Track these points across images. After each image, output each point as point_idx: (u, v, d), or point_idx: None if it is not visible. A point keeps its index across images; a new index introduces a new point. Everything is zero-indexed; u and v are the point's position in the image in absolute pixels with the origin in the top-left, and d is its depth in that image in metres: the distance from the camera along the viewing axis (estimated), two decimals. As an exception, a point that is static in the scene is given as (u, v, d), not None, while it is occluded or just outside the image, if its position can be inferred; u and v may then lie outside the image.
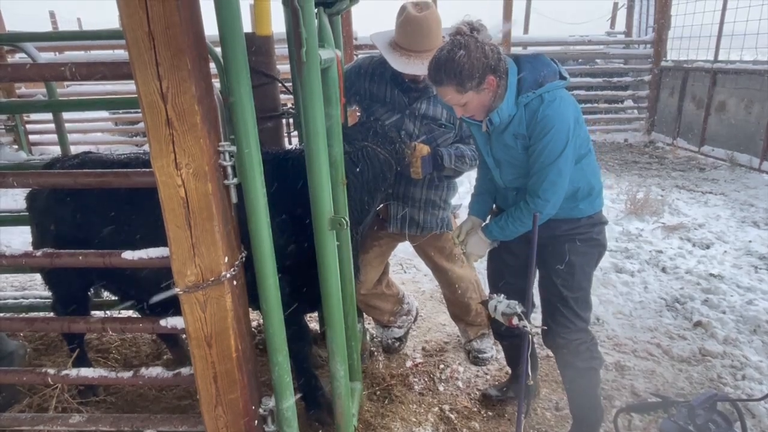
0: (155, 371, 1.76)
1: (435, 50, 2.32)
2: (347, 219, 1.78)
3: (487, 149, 2.12)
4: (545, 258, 2.13)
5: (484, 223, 2.26)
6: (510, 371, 2.78)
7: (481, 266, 2.70)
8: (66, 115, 5.28)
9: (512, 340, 2.49)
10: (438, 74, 1.88)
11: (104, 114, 9.26)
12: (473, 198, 2.38)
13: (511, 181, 2.11)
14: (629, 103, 9.94)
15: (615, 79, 9.56)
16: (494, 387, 2.76)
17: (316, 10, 1.56)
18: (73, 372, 1.80)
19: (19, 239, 4.75)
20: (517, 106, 1.93)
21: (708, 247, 4.61)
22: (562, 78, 1.94)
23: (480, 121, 2.05)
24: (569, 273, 2.09)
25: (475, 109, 1.96)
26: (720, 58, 8.09)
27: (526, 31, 11.65)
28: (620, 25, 11.90)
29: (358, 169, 2.21)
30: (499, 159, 2.09)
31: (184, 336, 2.64)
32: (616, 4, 11.97)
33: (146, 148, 1.36)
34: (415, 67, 2.36)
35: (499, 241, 2.23)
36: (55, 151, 7.79)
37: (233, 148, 1.43)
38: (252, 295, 1.66)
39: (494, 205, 2.37)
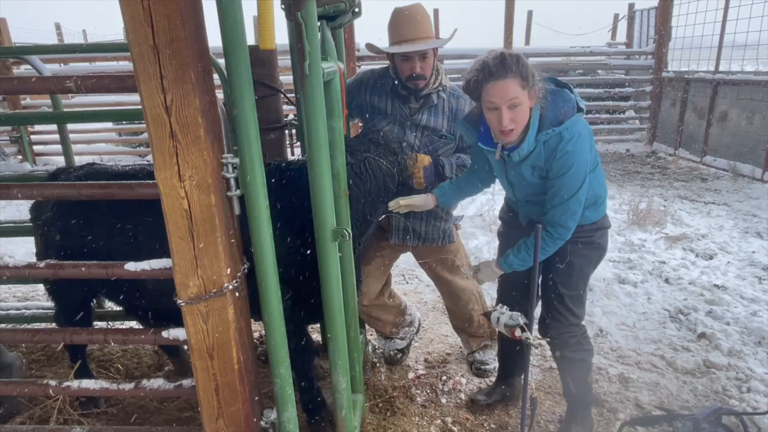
0: (157, 383, 1.75)
1: (426, 40, 2.43)
2: (349, 230, 1.79)
3: (502, 174, 2.19)
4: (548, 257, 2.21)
5: (498, 257, 2.30)
6: (499, 371, 2.80)
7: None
8: (70, 126, 5.31)
9: None
10: (503, 66, 1.87)
11: (108, 125, 9.32)
12: (449, 184, 2.45)
13: (525, 197, 2.21)
14: (631, 113, 9.97)
15: (616, 90, 9.59)
16: (481, 392, 2.79)
17: (319, 24, 1.58)
18: (75, 383, 1.79)
19: (22, 250, 4.77)
20: (536, 142, 1.98)
21: (711, 258, 4.59)
22: (579, 109, 2.01)
23: (494, 148, 2.11)
24: (567, 273, 2.20)
25: (521, 117, 1.95)
26: (721, 68, 8.12)
27: (527, 42, 11.71)
28: (621, 36, 11.96)
29: (360, 181, 2.22)
30: (513, 182, 2.17)
31: (186, 347, 2.63)
32: (617, 16, 12.03)
33: (150, 158, 1.37)
34: (408, 47, 2.41)
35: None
36: (60, 161, 7.84)
37: (236, 160, 1.44)
38: (254, 307, 1.66)
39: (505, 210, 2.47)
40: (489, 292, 3.09)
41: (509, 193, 2.26)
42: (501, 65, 1.87)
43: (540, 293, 2.34)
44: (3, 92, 1.71)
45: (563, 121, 1.96)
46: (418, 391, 2.86)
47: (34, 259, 2.01)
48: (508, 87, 1.88)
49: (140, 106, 1.29)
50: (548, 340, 2.34)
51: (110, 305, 3.35)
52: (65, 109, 3.47)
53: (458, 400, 2.80)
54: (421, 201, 2.39)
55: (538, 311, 2.34)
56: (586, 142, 1.99)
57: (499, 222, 2.55)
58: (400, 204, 2.38)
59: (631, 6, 11.18)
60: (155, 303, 2.34)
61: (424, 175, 2.46)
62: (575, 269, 2.19)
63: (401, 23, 2.45)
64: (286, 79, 2.86)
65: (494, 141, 2.11)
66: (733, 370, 2.96)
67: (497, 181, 2.36)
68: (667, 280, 4.16)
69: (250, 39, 1.43)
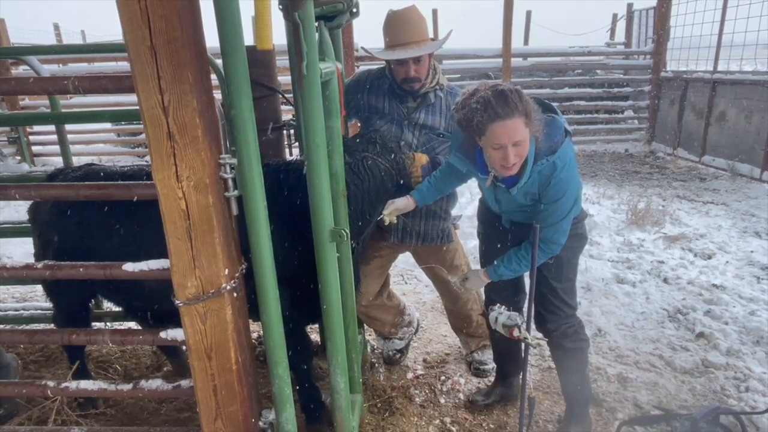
0: (155, 383, 1.75)
1: (420, 44, 2.44)
2: (347, 231, 1.78)
3: (491, 194, 2.24)
4: None
5: (483, 263, 2.41)
6: (497, 372, 2.81)
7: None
8: (68, 126, 5.31)
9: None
10: (508, 105, 1.82)
11: (107, 125, 9.30)
12: (427, 185, 2.39)
13: (509, 211, 2.26)
14: (629, 113, 9.97)
15: (615, 90, 9.60)
16: (480, 392, 2.80)
17: (316, 24, 1.58)
18: (73, 384, 1.79)
19: (21, 250, 4.77)
20: (531, 172, 2.00)
21: (710, 258, 4.60)
22: (566, 132, 2.02)
23: (486, 176, 2.12)
24: (557, 267, 2.24)
25: (524, 153, 1.93)
26: (719, 68, 8.13)
27: (526, 42, 11.71)
28: (620, 36, 11.96)
29: (359, 180, 2.22)
30: (501, 200, 2.21)
31: (184, 347, 2.63)
32: (615, 15, 12.03)
33: (149, 159, 1.37)
34: (401, 53, 2.41)
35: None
36: (58, 162, 7.82)
37: (234, 161, 1.44)
38: (253, 307, 1.66)
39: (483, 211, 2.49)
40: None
41: (494, 206, 2.29)
42: (506, 104, 1.81)
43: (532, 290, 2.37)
44: (1, 93, 1.71)
45: (556, 150, 1.97)
46: (417, 392, 2.87)
47: (32, 260, 2.02)
48: (515, 127, 1.84)
49: (138, 107, 1.29)
50: (547, 340, 2.35)
51: (108, 306, 3.35)
52: (63, 110, 3.47)
53: (457, 401, 2.80)
54: (402, 204, 2.38)
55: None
56: (575, 165, 2.04)
57: None
58: (386, 215, 2.36)
59: (629, 6, 11.19)
60: (154, 303, 2.34)
61: (422, 174, 2.47)
62: (564, 262, 2.24)
63: (395, 27, 2.45)
64: (285, 79, 2.86)
65: (488, 170, 2.11)
66: (731, 369, 2.96)
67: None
68: (665, 280, 4.16)
69: (248, 39, 1.43)
